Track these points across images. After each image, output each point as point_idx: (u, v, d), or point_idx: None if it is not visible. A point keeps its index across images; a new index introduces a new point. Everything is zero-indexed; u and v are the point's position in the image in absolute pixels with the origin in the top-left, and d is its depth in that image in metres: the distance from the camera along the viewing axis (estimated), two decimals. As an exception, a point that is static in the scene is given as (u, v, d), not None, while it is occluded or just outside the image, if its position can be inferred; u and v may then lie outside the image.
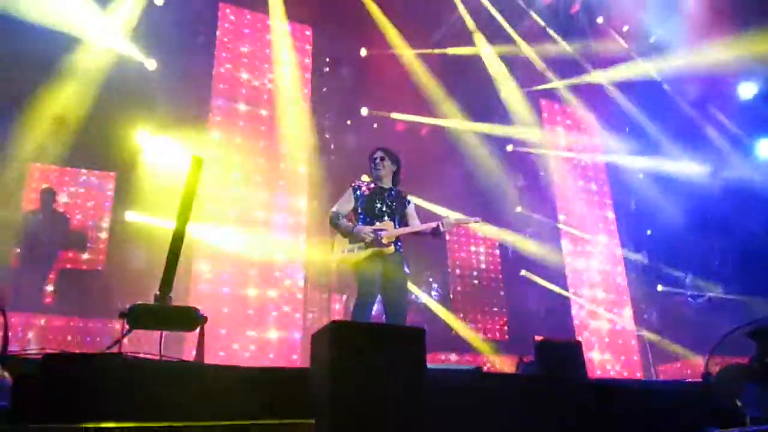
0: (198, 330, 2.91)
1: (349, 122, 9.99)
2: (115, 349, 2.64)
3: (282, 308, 7.02)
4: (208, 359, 5.98)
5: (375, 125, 10.09)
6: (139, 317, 2.50)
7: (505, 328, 10.53)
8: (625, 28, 9.74)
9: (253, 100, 7.72)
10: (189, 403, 2.03)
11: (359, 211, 4.35)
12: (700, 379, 3.45)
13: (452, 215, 4.71)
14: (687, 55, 9.00)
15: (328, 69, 9.56)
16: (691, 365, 8.44)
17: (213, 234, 6.95)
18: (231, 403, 2.14)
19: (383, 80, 9.53)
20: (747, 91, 9.90)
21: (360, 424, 1.95)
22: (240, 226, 7.11)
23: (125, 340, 2.79)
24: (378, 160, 4.44)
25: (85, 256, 8.03)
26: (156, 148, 7.66)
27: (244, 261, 7.00)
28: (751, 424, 2.71)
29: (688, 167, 9.95)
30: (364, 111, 9.62)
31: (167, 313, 2.54)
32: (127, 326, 2.66)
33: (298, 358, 6.83)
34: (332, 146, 9.59)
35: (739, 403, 2.79)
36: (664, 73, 9.81)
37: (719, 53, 8.64)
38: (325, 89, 9.44)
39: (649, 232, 10.70)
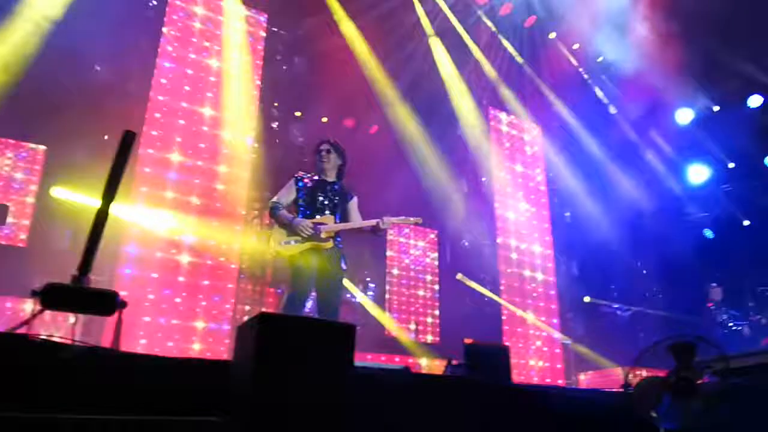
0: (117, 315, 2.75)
1: (298, 114, 9.83)
2: (23, 330, 2.44)
3: (212, 298, 6.80)
4: (130, 347, 5.74)
5: (324, 119, 9.98)
6: (52, 297, 2.32)
7: (438, 330, 10.64)
8: (576, 46, 10.05)
9: (199, 81, 7.45)
10: (93, 392, 1.91)
11: (300, 203, 4.25)
12: (621, 390, 3.55)
13: (394, 216, 4.67)
14: (631, 77, 9.38)
15: (280, 57, 9.35)
16: (610, 375, 8.79)
17: (145, 216, 6.66)
18: (140, 393, 2.02)
19: (336, 76, 9.43)
20: (684, 116, 10.42)
21: (280, 422, 1.88)
22: (174, 210, 6.84)
23: (43, 322, 2.60)
24: (324, 153, 4.37)
25: (6, 231, 7.53)
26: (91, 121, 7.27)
27: (176, 247, 6.74)
28: (663, 435, 2.81)
29: (623, 185, 10.36)
30: (313, 104, 9.49)
31: (84, 295, 2.37)
32: (39, 306, 2.48)
33: (225, 350, 6.65)
34: (279, 137, 9.41)
35: (654, 415, 2.88)
36: (608, 93, 10.19)
37: (661, 78, 9.05)
38: (276, 80, 9.23)
39: (581, 244, 11.08)
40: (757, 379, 3.44)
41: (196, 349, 6.49)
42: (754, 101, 9.73)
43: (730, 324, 7.67)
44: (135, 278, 6.41)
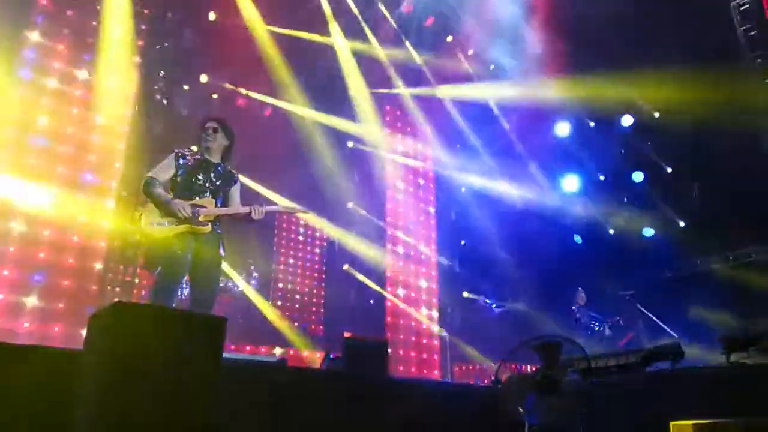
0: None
1: (186, 87, 9.25)
2: None
3: (77, 279, 6.23)
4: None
5: (215, 96, 9.49)
6: None
7: (322, 322, 10.57)
8: (470, 52, 10.34)
9: (76, 41, 6.76)
10: None
11: (178, 181, 3.91)
12: (490, 385, 3.66)
13: (281, 203, 4.49)
14: (518, 87, 9.82)
15: (169, 26, 8.73)
16: (482, 368, 9.21)
17: (4, 184, 5.95)
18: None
19: (230, 51, 8.97)
20: (562, 129, 11.12)
21: (132, 421, 1.69)
22: (38, 179, 6.18)
23: None
24: (210, 131, 4.06)
25: None
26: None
27: (39, 220, 6.09)
28: (528, 430, 2.92)
29: (505, 189, 10.87)
30: (203, 78, 8.97)
31: None
32: None
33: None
34: (163, 110, 8.80)
35: (521, 411, 2.99)
36: (496, 100, 10.61)
37: (545, 91, 9.57)
38: (163, 48, 8.60)
39: (463, 242, 11.49)
40: (615, 378, 3.70)
41: (56, 330, 5.93)
42: (626, 121, 10.59)
43: (593, 325, 8.29)
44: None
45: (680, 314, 8.75)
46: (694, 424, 1.62)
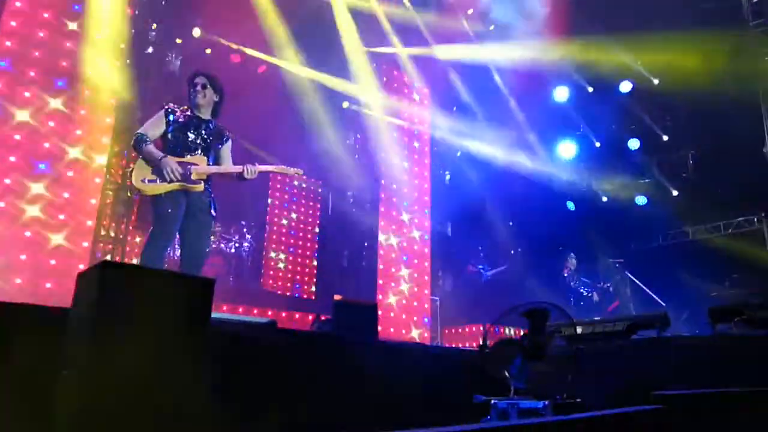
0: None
1: (179, 41, 9.03)
2: None
3: (71, 238, 6.20)
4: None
5: (208, 50, 9.28)
6: None
7: (314, 285, 10.62)
8: (470, 11, 10.12)
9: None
10: None
11: (169, 138, 3.85)
12: (478, 349, 3.70)
13: (274, 162, 4.44)
14: (518, 49, 9.66)
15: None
16: (471, 331, 9.34)
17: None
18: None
19: (224, 4, 8.74)
20: (561, 94, 11.01)
21: (121, 381, 1.70)
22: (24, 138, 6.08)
23: None
24: (199, 87, 3.97)
25: None
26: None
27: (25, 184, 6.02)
28: (514, 394, 2.97)
29: (500, 153, 10.81)
30: (196, 32, 8.76)
31: None
32: None
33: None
34: (154, 65, 8.60)
35: (507, 375, 3.04)
36: (495, 62, 10.44)
37: (545, 54, 9.42)
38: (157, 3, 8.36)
39: (456, 206, 11.50)
40: (601, 345, 3.76)
41: (48, 287, 5.93)
42: (625, 86, 10.48)
43: (582, 291, 8.40)
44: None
45: (670, 283, 8.86)
46: (674, 394, 1.64)
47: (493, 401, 3.01)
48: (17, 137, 6.05)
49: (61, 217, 6.16)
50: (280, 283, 10.10)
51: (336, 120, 10.00)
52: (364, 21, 9.73)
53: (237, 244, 9.36)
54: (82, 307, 1.90)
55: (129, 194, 7.43)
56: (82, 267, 6.18)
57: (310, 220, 11.10)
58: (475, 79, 10.63)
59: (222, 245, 9.00)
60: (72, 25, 6.53)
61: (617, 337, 3.78)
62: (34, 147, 6.13)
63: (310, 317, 8.35)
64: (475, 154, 10.86)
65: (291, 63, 9.38)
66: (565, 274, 8.51)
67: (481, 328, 8.37)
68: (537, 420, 2.12)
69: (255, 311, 7.49)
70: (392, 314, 9.11)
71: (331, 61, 9.81)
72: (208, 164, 3.89)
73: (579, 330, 3.80)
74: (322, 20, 9.43)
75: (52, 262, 6.04)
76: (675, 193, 10.67)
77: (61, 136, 6.27)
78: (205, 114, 4.03)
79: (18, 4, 6.27)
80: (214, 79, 4.04)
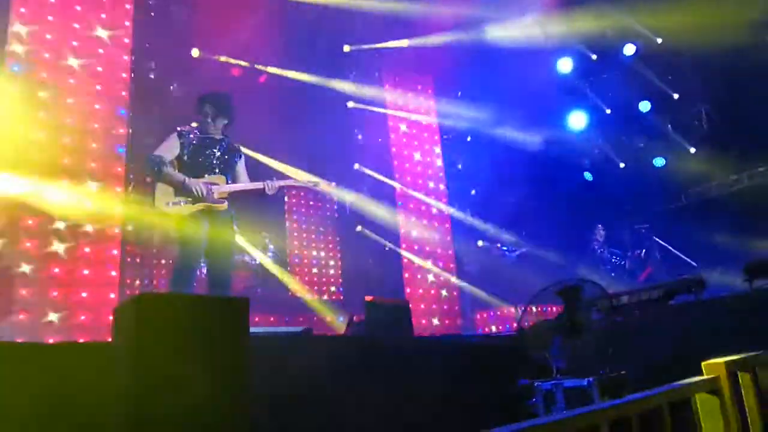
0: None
1: (179, 63, 9.08)
2: None
3: (95, 267, 6.29)
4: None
5: (208, 69, 9.32)
6: None
7: (341, 286, 10.67)
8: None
9: (64, 23, 6.63)
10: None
11: (185, 160, 3.88)
12: (515, 333, 3.69)
13: (286, 171, 4.46)
14: (516, 26, 9.54)
15: (153, 2, 8.51)
16: (503, 313, 9.30)
17: (9, 183, 5.95)
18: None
19: (219, 21, 8.76)
20: (564, 65, 10.86)
21: (168, 409, 1.72)
22: (44, 173, 6.17)
23: None
24: (209, 119, 3.96)
25: None
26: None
27: (51, 214, 6.12)
28: (557, 374, 2.96)
29: (510, 133, 10.71)
30: (195, 52, 8.81)
31: None
32: None
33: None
34: (158, 90, 8.69)
35: (547, 356, 3.02)
36: (496, 42, 10.31)
37: (544, 28, 9.30)
38: (152, 23, 8.41)
39: (473, 191, 11.44)
40: (638, 315, 3.72)
41: (83, 319, 6.04)
42: (629, 50, 10.31)
43: (614, 260, 8.29)
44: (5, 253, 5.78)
45: (700, 242, 8.71)
46: (726, 361, 1.61)
47: (536, 383, 3.00)
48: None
49: (86, 249, 6.26)
50: (307, 288, 10.16)
51: (342, 121, 10.00)
52: (362, 16, 9.68)
53: (261, 256, 9.44)
54: (122, 340, 1.93)
55: (152, 219, 7.51)
56: (113, 296, 6.31)
57: (329, 222, 11.13)
58: (477, 62, 10.52)
59: (246, 258, 9.07)
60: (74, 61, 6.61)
61: (655, 304, 3.74)
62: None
63: (341, 318, 8.40)
64: (485, 138, 10.78)
65: (291, 70, 9.39)
66: (596, 246, 8.42)
67: (512, 309, 8.32)
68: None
69: (286, 319, 7.55)
70: (422, 306, 9.12)
71: (331, 62, 9.79)
72: (227, 182, 3.92)
73: (615, 302, 3.77)
74: (319, 22, 9.41)
75: (84, 294, 6.14)
76: (692, 150, 10.49)
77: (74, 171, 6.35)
78: (217, 134, 4.05)
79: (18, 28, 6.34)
80: (221, 101, 4.04)
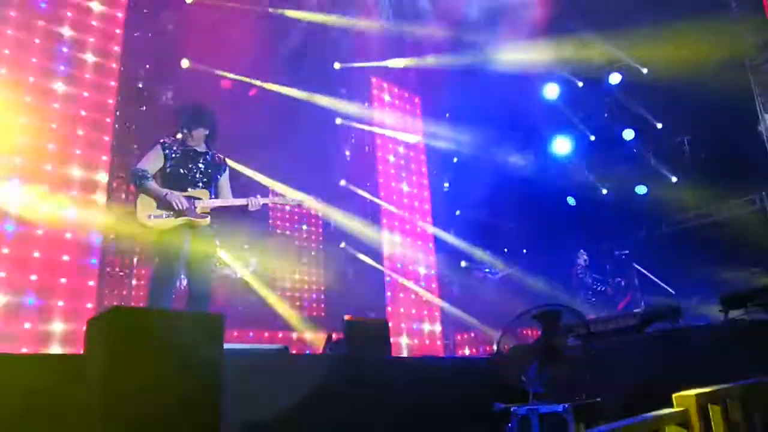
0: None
1: (167, 73, 9.06)
2: None
3: (74, 276, 6.19)
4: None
5: (199, 80, 9.32)
6: None
7: (323, 303, 10.60)
8: (454, 19, 10.16)
9: (52, 29, 6.60)
10: None
11: (168, 172, 3.85)
12: (493, 356, 3.69)
13: (271, 185, 4.45)
14: (505, 51, 9.69)
15: (147, 11, 8.52)
16: (482, 335, 9.31)
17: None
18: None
19: (211, 33, 8.79)
20: (551, 91, 11.03)
21: (139, 424, 1.69)
22: (25, 178, 6.09)
23: None
24: (185, 130, 3.94)
25: None
26: None
27: (30, 220, 6.02)
28: (533, 399, 2.96)
29: (496, 156, 10.81)
30: (185, 63, 8.80)
31: None
32: None
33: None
34: (146, 98, 8.64)
35: (524, 380, 3.02)
36: (483, 65, 10.46)
37: (532, 54, 9.46)
38: (142, 34, 8.40)
39: (458, 212, 11.49)
40: (615, 341, 3.74)
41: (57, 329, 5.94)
42: (614, 78, 10.51)
43: (594, 286, 8.35)
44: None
45: (678, 270, 8.82)
46: (696, 394, 1.62)
47: (512, 408, 2.99)
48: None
49: (65, 258, 6.16)
50: (288, 304, 10.07)
51: (331, 137, 10.02)
52: (354, 34, 9.79)
53: (243, 271, 9.34)
54: (94, 353, 1.90)
55: (133, 231, 7.43)
56: (90, 306, 6.20)
57: (313, 237, 11.09)
58: (466, 85, 10.65)
59: (227, 271, 8.98)
60: (61, 67, 6.57)
61: (631, 331, 3.77)
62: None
63: (322, 335, 8.32)
64: (471, 159, 10.87)
65: (280, 85, 9.42)
66: (578, 271, 8.48)
67: (492, 331, 8.33)
68: None
69: (266, 334, 7.47)
70: (403, 325, 9.09)
71: (321, 78, 9.85)
72: (211, 197, 3.89)
73: (592, 328, 3.79)
74: (310, 39, 9.49)
75: (60, 303, 6.03)
76: (674, 179, 10.66)
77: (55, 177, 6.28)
78: (200, 146, 4.03)
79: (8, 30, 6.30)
80: (196, 112, 4.01)
